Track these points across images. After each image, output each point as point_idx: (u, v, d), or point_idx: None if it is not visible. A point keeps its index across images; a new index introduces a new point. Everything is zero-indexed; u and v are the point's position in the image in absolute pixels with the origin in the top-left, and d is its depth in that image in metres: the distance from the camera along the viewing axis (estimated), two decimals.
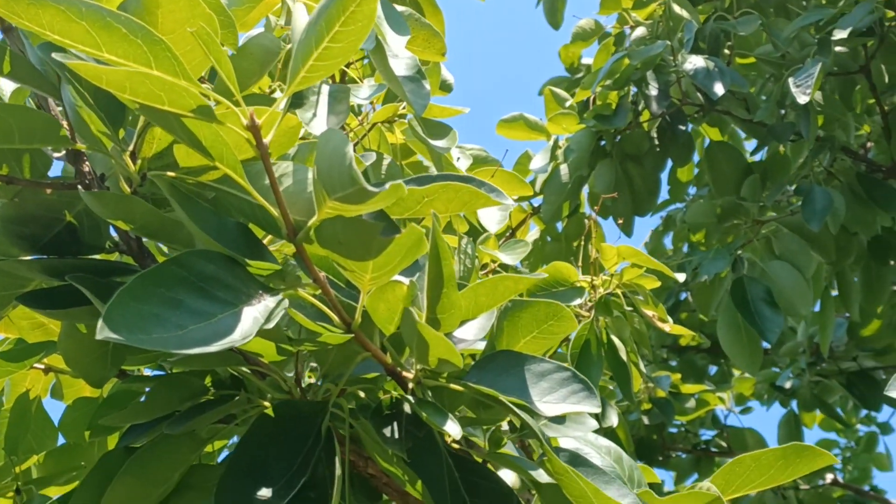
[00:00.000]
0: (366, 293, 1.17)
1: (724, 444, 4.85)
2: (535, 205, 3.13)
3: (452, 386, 1.21)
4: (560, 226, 3.25)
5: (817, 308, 3.70)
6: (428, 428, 1.21)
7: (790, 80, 2.63)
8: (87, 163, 1.28)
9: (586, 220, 3.23)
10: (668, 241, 4.70)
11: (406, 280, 1.18)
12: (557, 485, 1.25)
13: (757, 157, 3.12)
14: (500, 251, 2.21)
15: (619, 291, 2.21)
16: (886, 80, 3.07)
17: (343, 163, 0.98)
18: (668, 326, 2.18)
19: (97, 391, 1.69)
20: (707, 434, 4.94)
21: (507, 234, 3.15)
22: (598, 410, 1.20)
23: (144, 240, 1.30)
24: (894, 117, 3.04)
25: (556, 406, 1.20)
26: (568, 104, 3.11)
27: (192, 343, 1.00)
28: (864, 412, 6.07)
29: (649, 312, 2.19)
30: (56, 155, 1.31)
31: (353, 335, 1.17)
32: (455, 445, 1.29)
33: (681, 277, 2.13)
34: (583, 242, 2.28)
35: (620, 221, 2.86)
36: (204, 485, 1.34)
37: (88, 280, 1.20)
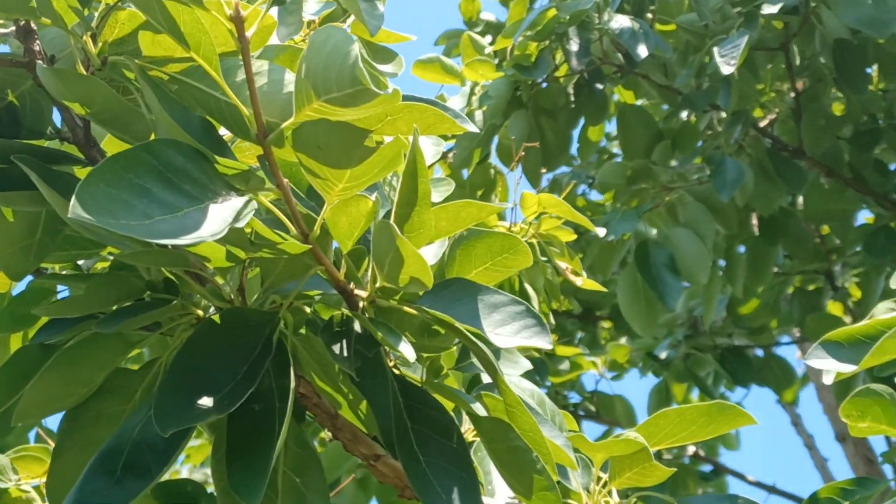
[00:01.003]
0: (329, 205, 1.12)
1: (592, 408, 4.90)
2: (445, 150, 3.09)
3: (406, 309, 1.18)
4: (465, 173, 3.22)
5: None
6: (377, 349, 1.18)
7: (715, 49, 2.64)
8: (38, 41, 1.21)
9: (492, 171, 3.22)
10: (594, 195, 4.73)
11: (372, 195, 1.14)
12: (497, 419, 1.23)
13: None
14: None
15: (535, 241, 2.19)
16: (799, 61, 3.11)
17: (346, 61, 0.94)
18: (581, 280, 2.17)
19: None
20: (575, 398, 5.00)
21: None
22: (550, 347, 1.18)
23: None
24: (805, 98, 3.08)
25: (508, 339, 1.18)
26: (486, 51, 3.08)
27: (159, 234, 0.95)
28: (721, 390, 6.21)
29: (563, 265, 2.18)
30: (2, 31, 1.24)
31: (310, 247, 1.13)
32: (396, 371, 1.27)
33: (601, 232, 2.11)
34: (503, 188, 2.26)
35: (511, 164, 2.84)
36: (125, 390, 1.29)
37: (34, 164, 1.13)
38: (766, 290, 4.12)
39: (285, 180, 1.12)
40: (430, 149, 2.24)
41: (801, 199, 3.32)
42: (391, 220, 1.11)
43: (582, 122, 3.15)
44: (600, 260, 2.95)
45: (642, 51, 2.75)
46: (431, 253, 1.27)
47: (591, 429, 5.17)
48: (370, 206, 1.13)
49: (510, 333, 1.18)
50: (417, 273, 1.07)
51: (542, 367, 4.63)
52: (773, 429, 8.24)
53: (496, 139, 3.13)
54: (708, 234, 2.85)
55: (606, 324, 5.35)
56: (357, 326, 1.19)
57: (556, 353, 4.76)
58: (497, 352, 1.28)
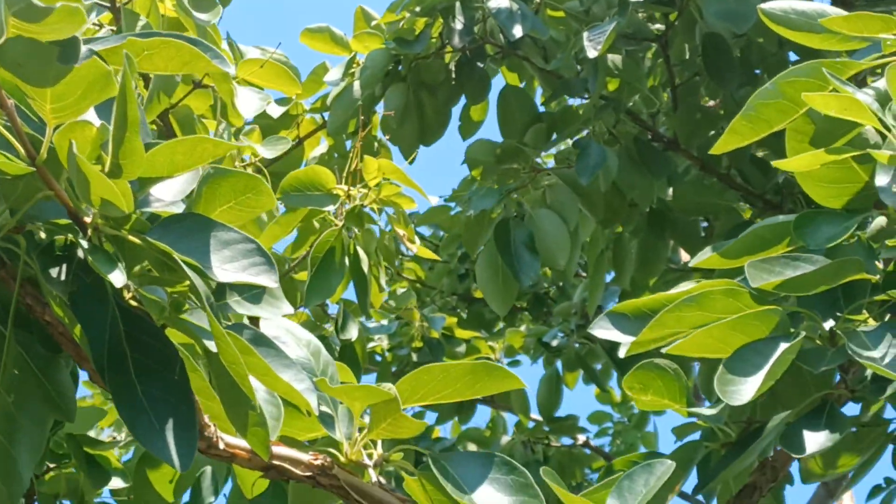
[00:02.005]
0: (52, 128, 1.13)
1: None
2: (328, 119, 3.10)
3: (130, 238, 1.19)
4: (349, 144, 3.23)
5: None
6: (96, 275, 1.18)
7: (585, 33, 2.67)
8: None
9: (376, 143, 3.22)
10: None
11: (97, 121, 1.15)
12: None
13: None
14: (261, 145, 2.19)
15: (374, 206, 2.21)
16: (684, 55, 3.14)
17: None
18: (415, 248, 2.19)
19: None
20: None
21: (296, 142, 3.12)
22: (274, 285, 1.19)
23: None
24: (682, 91, 3.11)
25: (233, 274, 1.19)
26: (374, 24, 3.09)
27: None
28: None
29: (400, 231, 2.20)
30: None
31: (33, 169, 1.14)
32: (133, 303, 1.27)
33: (433, 200, 2.13)
34: (358, 152, 2.26)
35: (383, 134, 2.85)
36: None
37: None
38: (660, 284, 4.13)
39: (11, 100, 1.13)
40: (255, 102, 2.27)
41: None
42: (110, 144, 1.12)
43: (464, 100, 3.16)
44: (468, 237, 2.96)
45: (517, 31, 2.77)
46: (177, 189, 1.28)
47: (484, 412, 5.19)
48: (94, 133, 1.14)
49: (236, 269, 1.20)
50: (107, 195, 1.08)
51: (437, 347, 4.67)
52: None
53: (381, 112, 3.14)
54: (571, 217, 2.87)
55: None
56: (80, 253, 1.20)
57: (454, 335, 4.79)
58: (223, 290, 1.28)
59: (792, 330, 1.58)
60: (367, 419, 1.49)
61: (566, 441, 5.09)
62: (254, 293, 1.39)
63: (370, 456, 1.51)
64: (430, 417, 4.84)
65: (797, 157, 1.67)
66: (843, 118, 1.72)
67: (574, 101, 3.32)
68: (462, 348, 4.78)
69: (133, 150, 1.12)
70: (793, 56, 3.33)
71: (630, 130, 3.07)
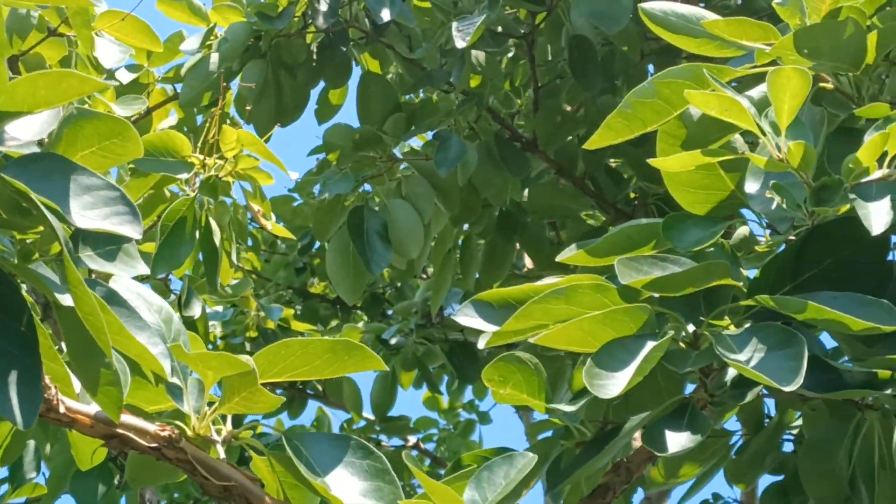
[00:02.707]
0: None
1: (319, 387, 4.85)
2: (180, 90, 2.99)
3: None
4: (200, 119, 3.13)
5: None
6: None
7: (454, 23, 2.63)
8: None
9: (228, 120, 3.13)
10: (318, 188, 4.66)
11: None
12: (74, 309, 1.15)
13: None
14: (115, 104, 2.09)
15: (230, 179, 2.13)
16: (547, 56, 3.13)
17: None
18: (270, 225, 2.11)
19: None
20: None
21: (144, 113, 3.00)
22: (137, 237, 1.11)
23: None
24: (544, 93, 3.10)
25: (94, 221, 1.11)
26: None
27: None
28: (468, 398, 6.25)
29: (255, 206, 2.12)
30: None
31: None
32: None
33: (294, 175, 2.06)
34: (214, 122, 2.17)
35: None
36: None
37: None
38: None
39: None
40: (115, 53, 2.16)
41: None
42: None
43: (323, 83, 3.09)
44: (319, 223, 2.89)
45: (385, 15, 2.72)
46: (37, 128, 1.18)
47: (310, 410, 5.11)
48: None
49: (97, 217, 1.11)
50: None
51: (272, 338, 4.58)
52: (511, 439, 8.36)
53: (237, 87, 3.04)
54: (426, 209, 2.83)
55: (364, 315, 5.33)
56: None
57: (290, 327, 4.70)
58: (76, 242, 1.20)
59: (658, 330, 1.56)
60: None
61: (396, 442, 5.05)
62: (108, 249, 1.30)
63: (219, 432, 1.43)
64: None
65: (674, 156, 1.66)
66: (716, 124, 1.72)
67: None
68: None
69: None
70: (651, 69, 3.37)
71: (490, 127, 3.04)
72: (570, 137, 3.16)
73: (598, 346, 1.50)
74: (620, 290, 1.59)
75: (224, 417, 1.44)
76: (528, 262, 4.15)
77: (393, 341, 4.42)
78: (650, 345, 1.49)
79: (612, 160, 3.29)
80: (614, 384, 1.42)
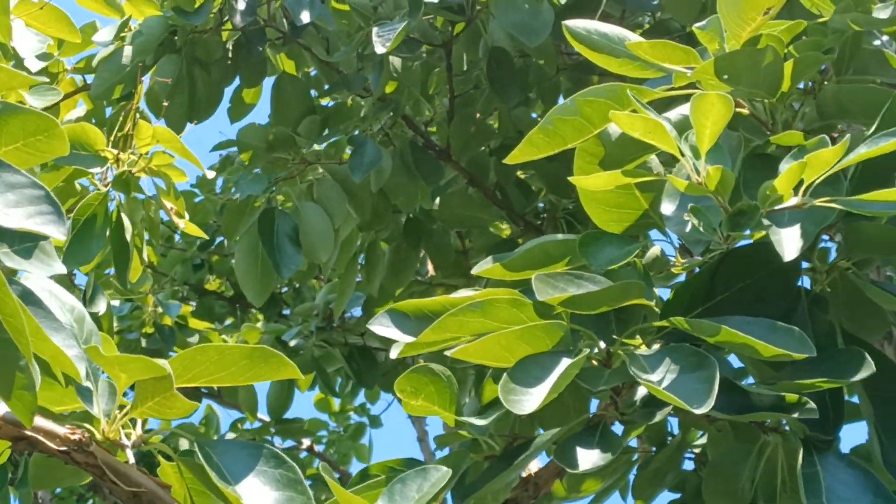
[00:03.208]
0: None
1: (214, 386, 4.80)
2: (91, 82, 2.94)
3: None
4: (109, 111, 3.07)
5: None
6: None
7: (374, 29, 2.62)
8: None
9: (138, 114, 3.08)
10: (219, 183, 4.62)
11: None
12: None
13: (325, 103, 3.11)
14: (28, 93, 2.04)
15: (143, 175, 2.09)
16: (463, 66, 3.14)
17: None
18: (183, 223, 2.09)
19: None
20: None
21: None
22: (62, 237, 1.09)
23: None
24: (460, 103, 3.11)
25: (18, 220, 1.08)
26: None
27: None
28: (360, 401, 6.23)
29: (169, 204, 2.09)
30: None
31: None
32: None
33: (210, 174, 2.03)
34: (129, 116, 2.13)
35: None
36: None
37: None
38: (405, 295, 4.12)
39: None
40: (34, 42, 2.12)
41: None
42: None
43: (238, 81, 3.06)
44: (229, 223, 2.86)
45: (304, 17, 2.70)
46: None
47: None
48: None
49: (21, 216, 1.09)
50: None
51: (170, 335, 4.53)
52: (402, 444, 8.36)
53: (147, 83, 3.00)
54: (338, 213, 2.82)
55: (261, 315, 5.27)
56: None
57: (188, 325, 4.64)
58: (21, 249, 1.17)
59: (572, 347, 1.58)
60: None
61: (289, 444, 5.01)
62: (25, 247, 1.27)
63: (128, 436, 1.41)
64: None
65: (594, 176, 1.67)
66: (634, 144, 1.74)
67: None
68: (195, 339, 4.64)
69: None
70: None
71: (405, 134, 3.04)
72: (482, 147, 3.17)
73: (514, 362, 1.51)
74: (536, 305, 1.60)
75: (134, 421, 1.42)
76: (431, 269, 4.16)
77: (292, 343, 4.39)
78: (565, 362, 1.50)
79: (522, 172, 3.31)
80: (529, 400, 1.42)
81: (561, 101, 3.31)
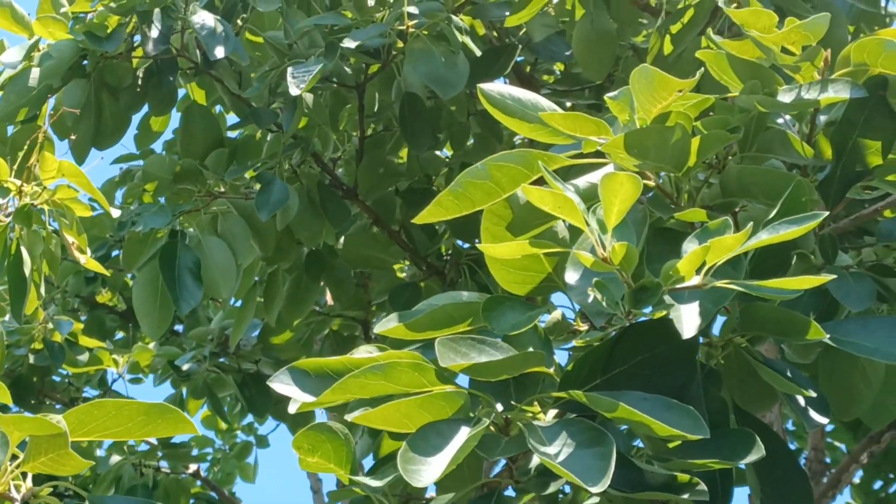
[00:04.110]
0: None
1: None
2: None
3: None
4: (11, 130, 3.02)
5: (241, 303, 3.70)
6: None
7: (290, 69, 2.62)
8: None
9: (41, 135, 3.03)
10: (119, 196, 4.55)
11: None
12: None
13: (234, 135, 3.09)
14: None
15: (46, 207, 2.06)
16: (373, 107, 3.15)
17: None
18: (84, 259, 2.06)
19: None
20: (91, 392, 4.81)
21: None
22: None
23: None
24: (370, 143, 3.11)
25: None
26: (63, 10, 2.91)
27: None
28: (247, 420, 6.17)
29: (70, 238, 2.06)
30: None
31: None
32: None
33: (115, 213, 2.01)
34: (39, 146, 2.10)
35: (73, 138, 2.69)
36: None
37: None
38: (302, 325, 4.12)
39: None
40: None
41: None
42: None
43: (147, 109, 3.03)
44: (129, 252, 2.83)
45: (219, 52, 2.68)
46: None
47: None
48: None
49: None
50: None
51: (59, 352, 4.44)
52: (287, 469, 8.29)
53: (52, 104, 2.95)
54: (242, 250, 2.80)
55: None
56: None
57: (78, 343, 4.56)
58: None
59: (472, 414, 1.59)
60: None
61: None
62: None
63: (17, 488, 1.39)
64: None
65: (503, 245, 1.69)
66: (542, 210, 1.77)
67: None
68: (84, 356, 4.56)
69: None
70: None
71: (313, 171, 3.03)
72: (390, 188, 3.18)
73: (415, 428, 1.52)
74: (438, 370, 1.61)
75: (25, 474, 1.40)
76: (329, 299, 4.15)
77: (185, 367, 4.34)
78: (465, 431, 1.51)
79: None
80: (428, 471, 1.43)
81: (471, 142, 3.36)
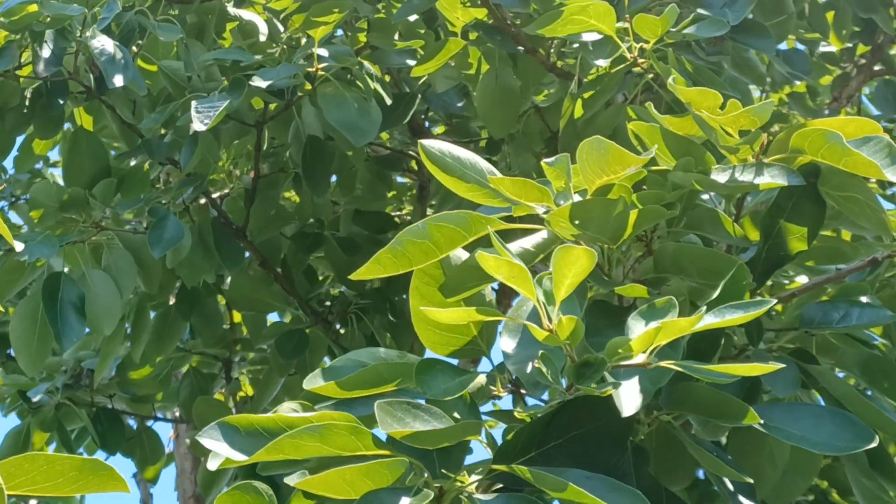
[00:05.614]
0: None
1: None
2: None
3: None
4: None
5: None
6: None
7: (193, 104, 2.53)
8: None
9: None
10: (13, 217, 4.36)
11: None
12: None
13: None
14: None
15: None
16: (267, 146, 3.07)
17: None
18: None
19: None
20: None
21: None
22: None
23: None
24: (263, 184, 3.03)
25: None
26: None
27: None
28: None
29: None
30: None
31: None
32: None
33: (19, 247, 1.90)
34: None
35: None
36: None
37: None
38: (163, 361, 3.99)
39: None
40: None
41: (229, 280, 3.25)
42: None
43: (31, 130, 2.90)
44: (4, 281, 2.68)
45: (118, 80, 2.57)
46: None
47: None
48: None
49: None
50: None
51: None
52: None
53: None
54: (127, 285, 2.69)
55: None
56: None
57: None
58: None
59: (408, 483, 1.54)
60: None
61: None
62: None
63: None
64: None
65: (444, 311, 1.65)
66: (474, 273, 1.77)
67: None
68: None
69: None
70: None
71: (205, 209, 2.93)
72: (279, 231, 3.11)
73: (357, 496, 1.46)
74: (374, 434, 1.56)
75: None
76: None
77: (35, 399, 4.14)
78: (405, 501, 1.47)
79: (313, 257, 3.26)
80: None
81: (358, 189, 3.31)
